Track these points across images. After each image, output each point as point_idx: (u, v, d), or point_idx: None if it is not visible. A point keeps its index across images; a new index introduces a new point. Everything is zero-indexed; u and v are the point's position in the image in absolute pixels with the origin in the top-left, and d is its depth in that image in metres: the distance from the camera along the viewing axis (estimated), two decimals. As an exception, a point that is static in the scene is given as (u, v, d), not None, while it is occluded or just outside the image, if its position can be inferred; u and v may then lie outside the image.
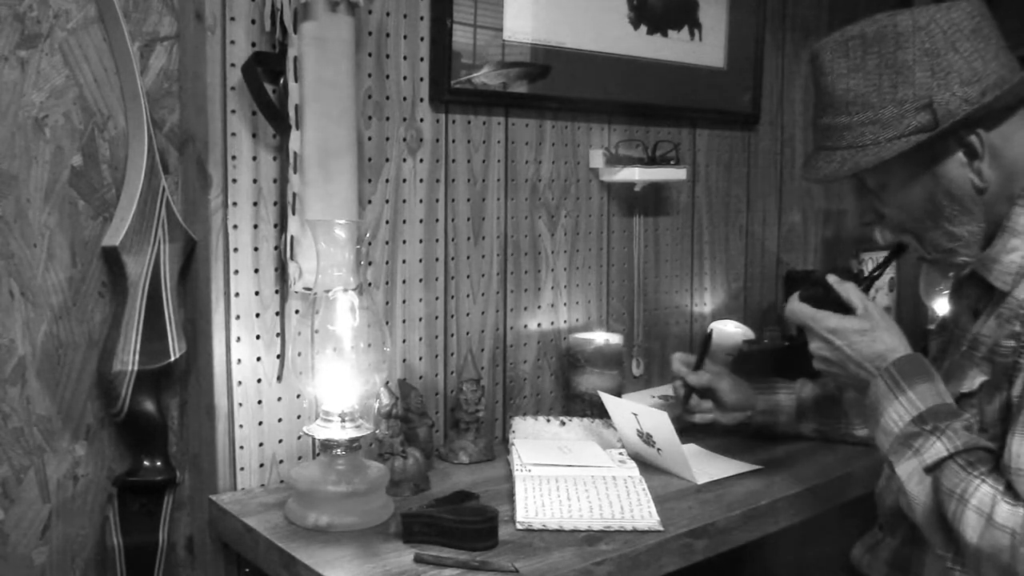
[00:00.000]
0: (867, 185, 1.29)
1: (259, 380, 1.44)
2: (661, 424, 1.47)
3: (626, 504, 1.35)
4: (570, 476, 1.44)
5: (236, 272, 1.40)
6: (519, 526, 1.28)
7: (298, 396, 1.47)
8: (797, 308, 1.30)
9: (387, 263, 1.57)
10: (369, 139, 1.53)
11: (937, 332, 1.45)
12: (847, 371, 1.25)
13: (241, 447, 1.42)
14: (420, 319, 1.62)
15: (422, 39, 1.58)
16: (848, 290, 1.28)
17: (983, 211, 1.22)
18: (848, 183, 2.28)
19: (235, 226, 1.40)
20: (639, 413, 1.51)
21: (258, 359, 1.43)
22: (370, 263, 1.54)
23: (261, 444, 1.44)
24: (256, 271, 1.42)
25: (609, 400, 1.58)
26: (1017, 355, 1.14)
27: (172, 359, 1.39)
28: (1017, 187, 1.20)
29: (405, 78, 1.56)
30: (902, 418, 1.16)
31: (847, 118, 1.22)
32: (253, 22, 1.38)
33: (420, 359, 1.63)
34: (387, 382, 1.47)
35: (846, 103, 1.22)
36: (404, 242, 1.59)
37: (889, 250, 1.42)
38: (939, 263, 1.31)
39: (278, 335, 1.45)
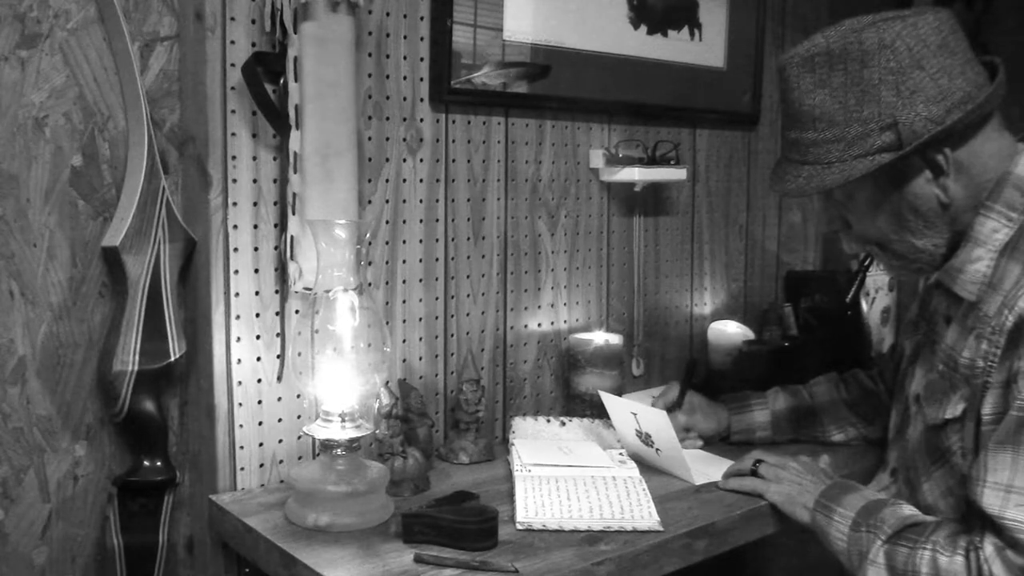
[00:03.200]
0: (834, 195, 1.29)
1: (259, 380, 1.44)
2: (660, 424, 1.47)
3: (626, 504, 1.35)
4: (570, 476, 1.44)
5: (236, 272, 1.40)
6: (519, 526, 1.28)
7: (298, 396, 1.47)
8: (741, 485, 1.43)
9: (387, 263, 1.57)
10: (369, 139, 1.53)
11: (911, 331, 1.46)
12: (795, 516, 1.35)
13: (241, 447, 1.42)
14: (420, 319, 1.62)
15: (422, 39, 1.58)
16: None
17: (948, 225, 1.23)
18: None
19: (235, 226, 1.40)
20: (638, 413, 1.51)
21: (258, 359, 1.43)
22: (370, 263, 1.55)
23: (261, 444, 1.44)
24: (256, 271, 1.42)
25: (609, 399, 1.58)
26: (987, 374, 1.16)
27: (172, 359, 1.39)
28: (982, 198, 1.21)
29: (405, 78, 1.56)
30: (843, 532, 1.25)
31: (813, 134, 1.23)
32: (253, 22, 1.38)
33: (420, 359, 1.63)
34: (387, 382, 1.47)
35: (812, 119, 1.22)
36: (404, 242, 1.59)
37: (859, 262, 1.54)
38: (901, 271, 1.33)
39: (278, 335, 1.45)
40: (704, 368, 2.09)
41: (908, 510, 1.23)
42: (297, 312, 1.46)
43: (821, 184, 1.22)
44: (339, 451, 1.30)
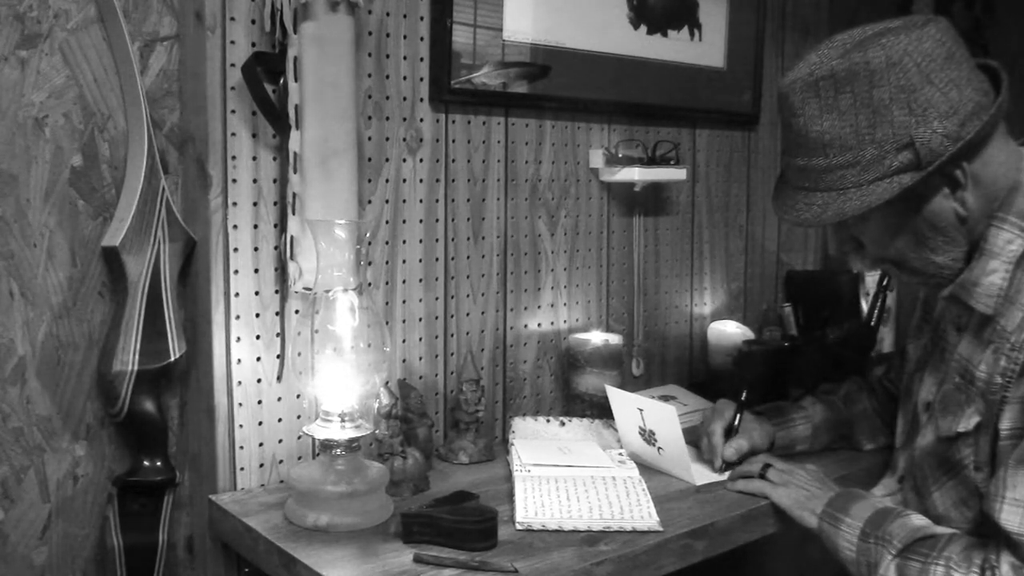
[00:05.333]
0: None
1: (259, 380, 1.44)
2: (667, 420, 1.46)
3: (626, 504, 1.35)
4: (570, 476, 1.44)
5: (236, 272, 1.40)
6: (519, 526, 1.28)
7: (298, 396, 1.47)
8: (748, 486, 1.43)
9: (387, 263, 1.57)
10: (369, 139, 1.53)
11: (915, 335, 1.45)
12: (803, 521, 1.34)
13: (241, 447, 1.42)
14: (420, 319, 1.62)
15: (422, 39, 1.58)
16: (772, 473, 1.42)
17: (966, 237, 1.21)
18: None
19: (235, 226, 1.40)
20: (645, 408, 1.50)
21: (258, 359, 1.43)
22: (370, 263, 1.55)
23: (261, 444, 1.44)
24: (256, 271, 1.42)
25: (614, 393, 1.57)
26: (1004, 389, 1.15)
27: (172, 359, 1.39)
28: (993, 208, 1.19)
29: (405, 78, 1.56)
30: (851, 542, 1.24)
31: (824, 160, 1.20)
32: (253, 22, 1.38)
33: (420, 359, 1.63)
34: (387, 382, 1.47)
35: (822, 145, 1.19)
36: (404, 242, 1.59)
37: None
38: (918, 287, 1.31)
39: (278, 335, 1.45)
40: (704, 368, 2.09)
41: (918, 520, 1.22)
42: (297, 312, 1.46)
43: (840, 212, 1.18)
44: (339, 451, 1.30)
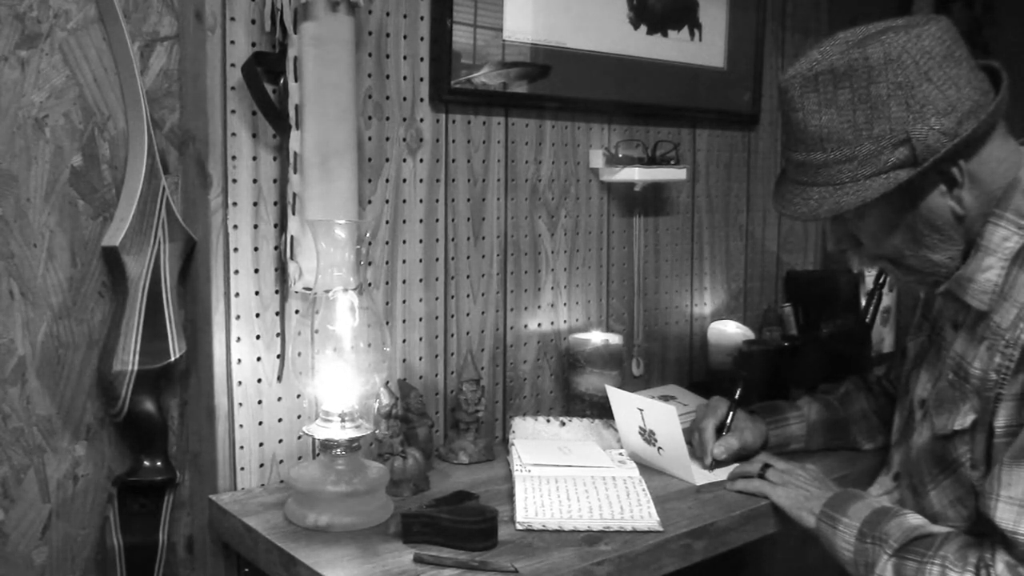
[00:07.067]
0: (844, 215, 1.26)
1: (259, 380, 1.44)
2: (668, 420, 1.46)
3: (626, 504, 1.35)
4: (570, 476, 1.44)
5: (236, 272, 1.40)
6: (519, 526, 1.28)
7: (298, 396, 1.47)
8: (748, 486, 1.43)
9: (387, 263, 1.57)
10: (369, 139, 1.53)
11: (914, 334, 1.45)
12: (801, 521, 1.34)
13: (241, 447, 1.42)
14: (420, 319, 1.62)
15: (422, 39, 1.58)
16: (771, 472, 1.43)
17: (963, 236, 1.22)
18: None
19: (235, 226, 1.40)
20: (645, 408, 1.50)
21: (258, 359, 1.43)
22: (370, 263, 1.55)
23: (261, 444, 1.45)
24: (256, 271, 1.42)
25: (614, 393, 1.57)
26: (999, 386, 1.15)
27: (172, 359, 1.39)
28: (991, 206, 1.19)
29: (405, 78, 1.56)
30: (849, 542, 1.24)
31: (822, 155, 1.20)
32: (253, 22, 1.38)
33: (420, 359, 1.63)
34: (387, 382, 1.47)
35: (820, 139, 1.20)
36: (404, 242, 1.59)
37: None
38: (915, 285, 1.31)
39: (278, 335, 1.45)
40: (704, 368, 2.09)
41: (915, 519, 1.22)
42: (297, 312, 1.46)
43: (836, 207, 1.19)
44: (339, 451, 1.30)
